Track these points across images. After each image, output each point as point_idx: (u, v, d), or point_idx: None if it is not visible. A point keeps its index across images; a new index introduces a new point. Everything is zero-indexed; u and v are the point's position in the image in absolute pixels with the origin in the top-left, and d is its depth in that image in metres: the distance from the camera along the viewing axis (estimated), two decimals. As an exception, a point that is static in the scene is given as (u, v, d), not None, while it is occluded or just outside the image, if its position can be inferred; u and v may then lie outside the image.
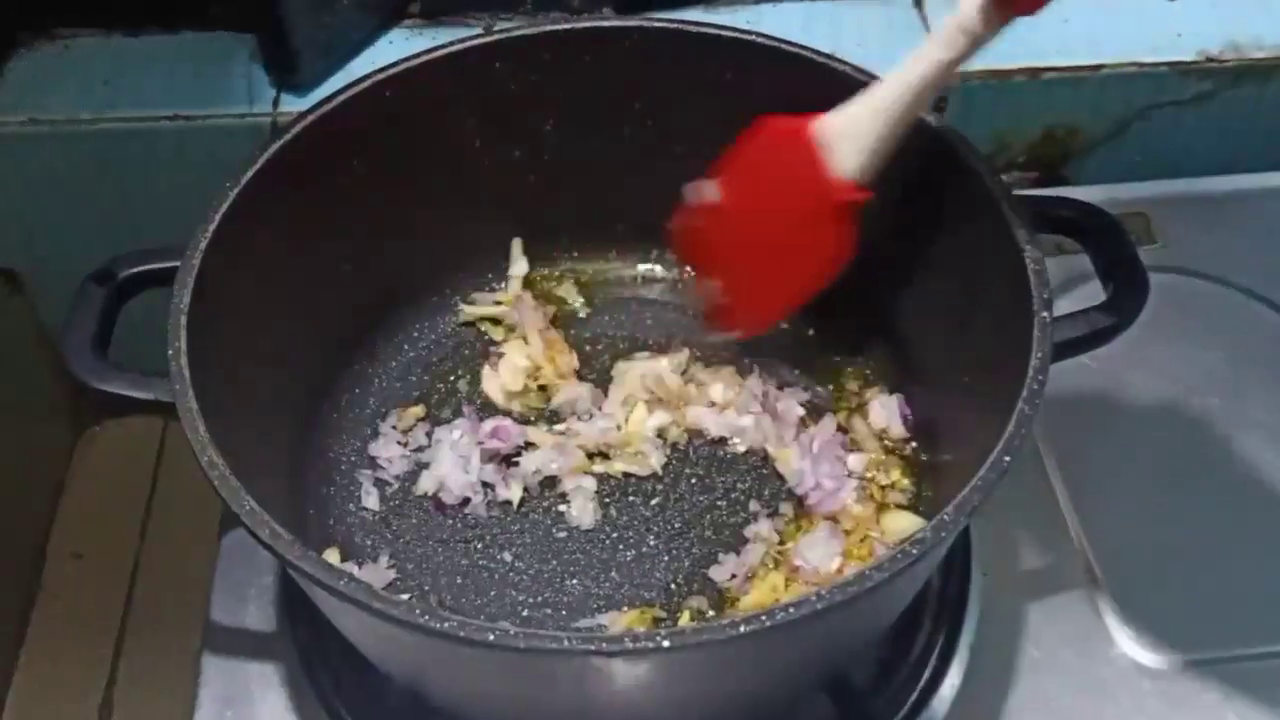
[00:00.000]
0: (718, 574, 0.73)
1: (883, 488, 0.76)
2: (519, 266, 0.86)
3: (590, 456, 0.78)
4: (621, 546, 0.74)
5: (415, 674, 0.66)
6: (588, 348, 0.84)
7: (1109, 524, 0.79)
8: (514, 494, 0.76)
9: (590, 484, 0.76)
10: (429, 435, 0.79)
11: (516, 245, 0.86)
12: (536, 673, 0.58)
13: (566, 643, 0.52)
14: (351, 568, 0.72)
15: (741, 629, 0.52)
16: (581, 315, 0.86)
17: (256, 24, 0.96)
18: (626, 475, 0.77)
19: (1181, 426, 0.84)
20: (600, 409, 0.80)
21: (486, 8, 1.00)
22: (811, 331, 0.84)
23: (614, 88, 0.79)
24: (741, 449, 0.79)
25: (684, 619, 0.71)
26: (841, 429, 0.79)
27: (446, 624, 0.52)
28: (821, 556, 0.72)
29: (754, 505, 0.76)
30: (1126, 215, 0.87)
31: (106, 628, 1.13)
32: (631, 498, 0.77)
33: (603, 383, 0.81)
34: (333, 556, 0.73)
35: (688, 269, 0.85)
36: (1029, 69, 0.99)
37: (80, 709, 1.08)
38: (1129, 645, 0.75)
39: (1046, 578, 0.78)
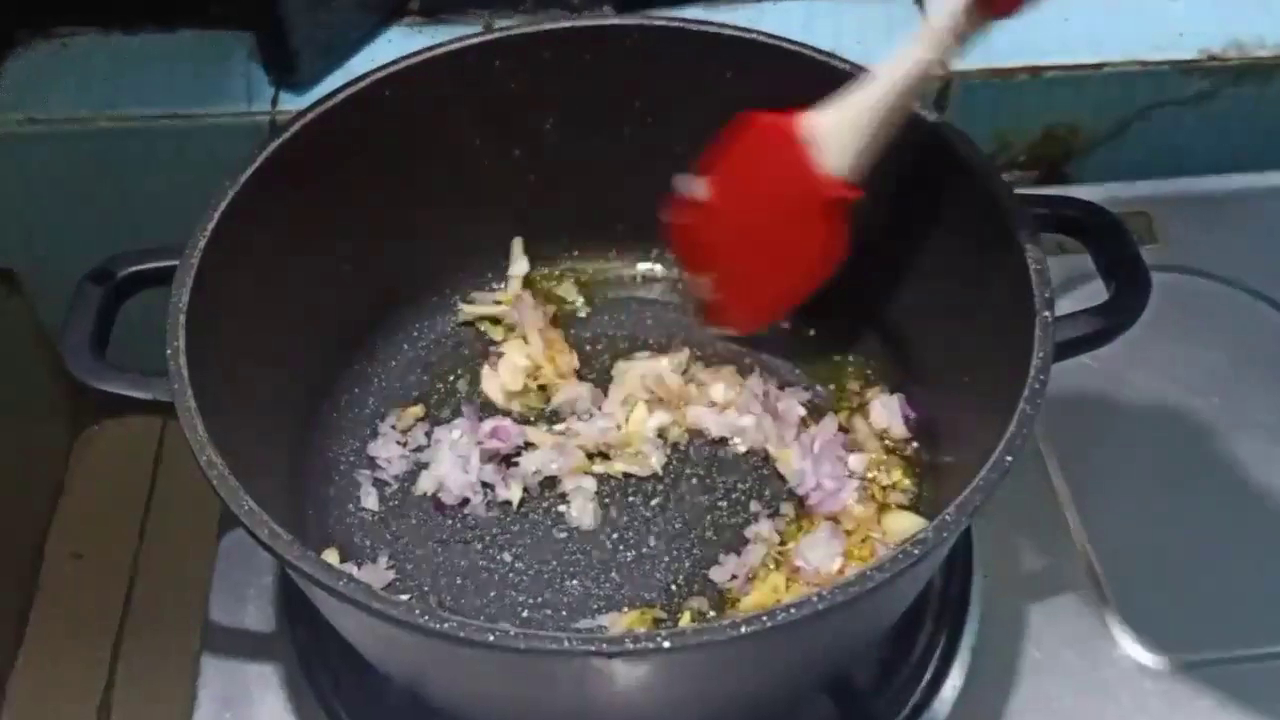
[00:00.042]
0: (718, 575, 0.73)
1: (884, 488, 0.76)
2: (519, 266, 0.86)
3: (590, 457, 0.78)
4: (622, 547, 0.74)
5: (415, 675, 0.65)
6: (588, 347, 0.84)
7: (1110, 524, 0.79)
8: (514, 494, 0.76)
9: (590, 484, 0.76)
10: (428, 435, 0.79)
11: (517, 245, 0.86)
12: (536, 673, 0.58)
13: (567, 643, 0.52)
14: (351, 568, 0.72)
15: (742, 630, 0.52)
16: (581, 315, 0.86)
17: (255, 22, 0.96)
18: (627, 475, 0.77)
19: (1183, 426, 0.84)
20: (600, 409, 0.80)
21: (486, 5, 1.00)
22: (812, 331, 0.84)
23: (614, 87, 0.78)
24: (742, 449, 0.79)
25: (684, 620, 0.71)
26: (842, 429, 0.78)
27: (446, 624, 0.52)
28: (822, 557, 0.72)
29: (755, 505, 0.76)
30: (1128, 214, 0.87)
31: (105, 628, 1.12)
32: (632, 498, 0.76)
33: (603, 382, 0.81)
34: (332, 557, 0.73)
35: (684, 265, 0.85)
36: (1030, 67, 0.99)
37: (79, 709, 1.08)
38: (1131, 646, 0.75)
39: (1048, 578, 0.77)
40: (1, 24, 0.99)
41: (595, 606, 0.72)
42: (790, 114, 0.70)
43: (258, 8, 0.92)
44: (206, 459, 0.58)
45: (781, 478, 0.77)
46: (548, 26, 0.78)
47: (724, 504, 0.76)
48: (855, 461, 0.77)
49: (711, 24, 0.77)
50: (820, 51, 0.74)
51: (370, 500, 0.76)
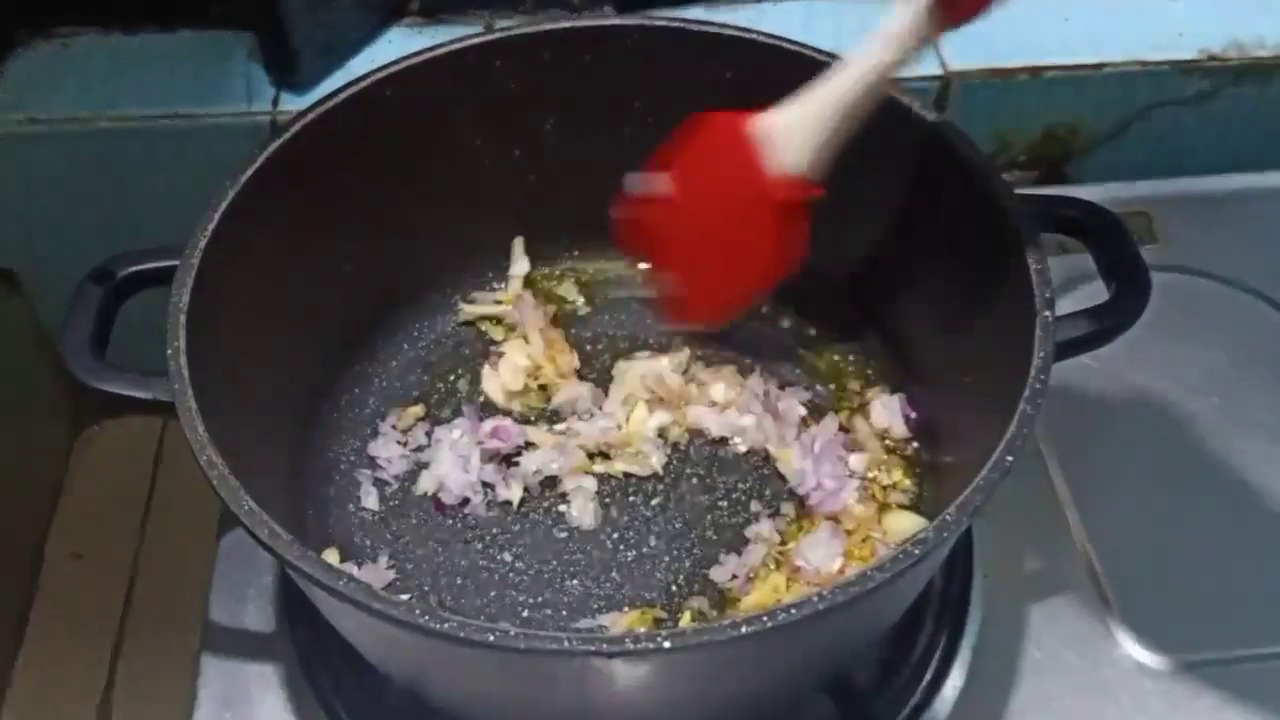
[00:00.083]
0: (719, 574, 0.73)
1: (884, 488, 0.76)
2: (520, 266, 0.86)
3: (591, 456, 0.78)
4: (622, 547, 0.74)
5: (415, 674, 0.65)
6: (588, 347, 0.84)
7: (1111, 524, 0.79)
8: (514, 494, 0.76)
9: (591, 484, 0.76)
10: (429, 435, 0.79)
11: (518, 244, 0.86)
12: (537, 673, 0.58)
13: (567, 643, 0.52)
14: (351, 568, 0.72)
15: (743, 630, 0.52)
16: (582, 314, 0.86)
17: (256, 23, 0.96)
18: (627, 475, 0.77)
19: (1183, 426, 0.84)
20: (601, 409, 0.80)
21: (487, 6, 1.00)
22: (813, 331, 0.84)
23: (614, 87, 0.78)
24: (743, 449, 0.79)
25: (685, 620, 0.71)
26: (843, 429, 0.78)
27: (446, 624, 0.52)
28: (823, 557, 0.72)
29: (755, 505, 0.76)
30: (1128, 214, 0.87)
31: (105, 628, 1.12)
32: (632, 498, 0.76)
33: (603, 382, 0.81)
34: (332, 557, 0.73)
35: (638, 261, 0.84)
36: (1030, 68, 0.99)
37: (79, 709, 1.08)
38: (1131, 646, 0.75)
39: (1048, 578, 0.77)
40: (2, 24, 0.99)
41: (595, 606, 0.72)
42: (742, 114, 0.69)
43: (258, 8, 0.92)
44: (207, 459, 0.58)
45: (782, 477, 0.77)
46: (548, 27, 0.78)
47: (724, 504, 0.76)
48: (856, 461, 0.77)
49: (712, 24, 0.77)
50: (820, 51, 0.74)
51: (370, 500, 0.76)
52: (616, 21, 0.78)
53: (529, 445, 0.78)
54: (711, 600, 0.72)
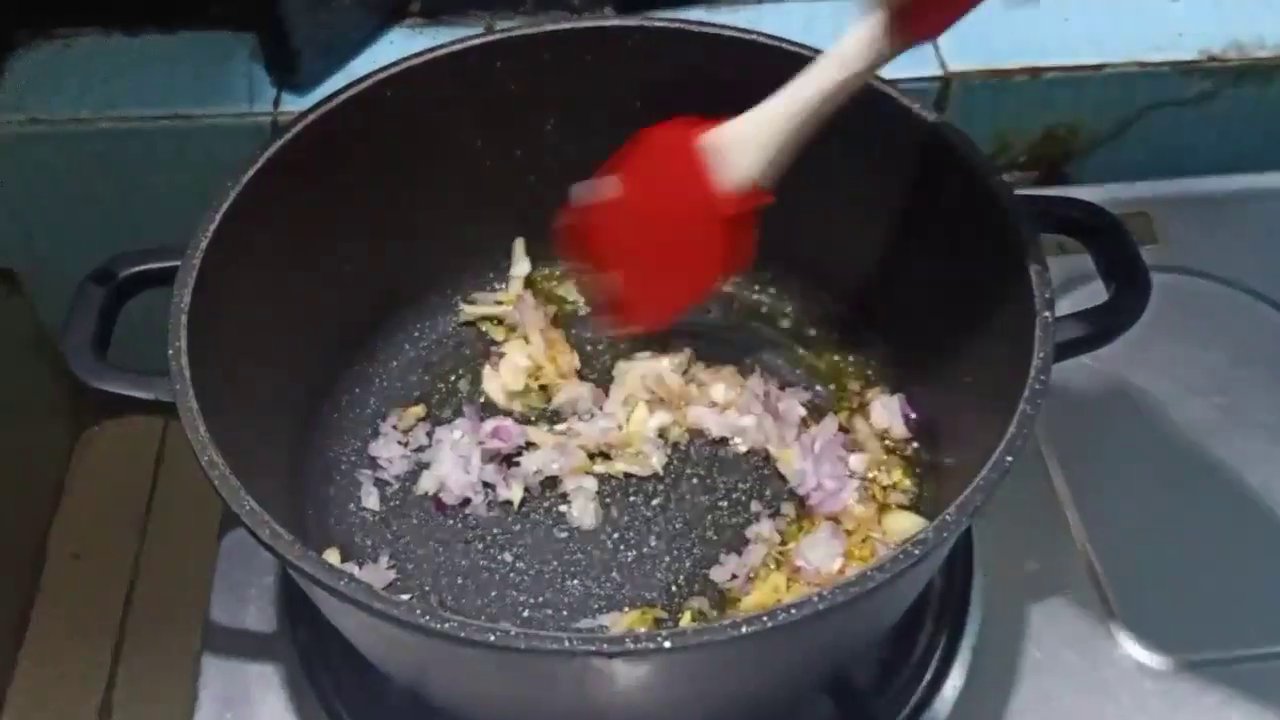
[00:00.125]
0: (719, 574, 0.73)
1: (884, 488, 0.76)
2: (521, 266, 0.86)
3: (591, 456, 0.78)
4: (623, 547, 0.74)
5: (416, 675, 0.65)
6: (589, 347, 0.84)
7: (1111, 524, 0.79)
8: (515, 494, 0.76)
9: (591, 484, 0.76)
10: (429, 435, 0.79)
11: (519, 245, 0.86)
12: (537, 673, 0.58)
13: (567, 643, 0.52)
14: (352, 568, 0.72)
15: (743, 630, 0.52)
16: (583, 315, 0.86)
17: (256, 23, 0.96)
18: (628, 475, 0.77)
19: (1183, 426, 0.84)
20: (601, 409, 0.80)
21: (487, 7, 1.00)
22: (813, 331, 0.84)
23: (614, 87, 0.78)
24: (743, 449, 0.79)
25: (685, 620, 0.71)
26: (843, 429, 0.79)
27: (447, 624, 0.52)
28: (823, 557, 0.72)
29: (755, 505, 0.76)
30: (1128, 215, 0.87)
31: (106, 628, 1.12)
32: (633, 498, 0.77)
33: (604, 382, 0.81)
34: (333, 557, 0.73)
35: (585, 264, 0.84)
36: (1030, 68, 0.99)
37: (79, 709, 1.08)
38: (1131, 646, 0.75)
39: (1048, 578, 0.77)
40: (3, 25, 1.00)
41: (596, 606, 0.72)
42: (691, 128, 0.70)
43: (258, 8, 0.92)
44: (208, 459, 0.58)
45: (782, 478, 0.77)
46: (549, 28, 0.78)
47: (725, 504, 0.76)
48: (856, 461, 0.77)
49: (712, 25, 0.77)
50: (820, 53, 0.74)
51: (371, 500, 0.76)
52: (617, 22, 0.78)
53: (530, 445, 0.78)
54: (712, 600, 0.72)
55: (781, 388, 0.81)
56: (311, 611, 0.67)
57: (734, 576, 0.72)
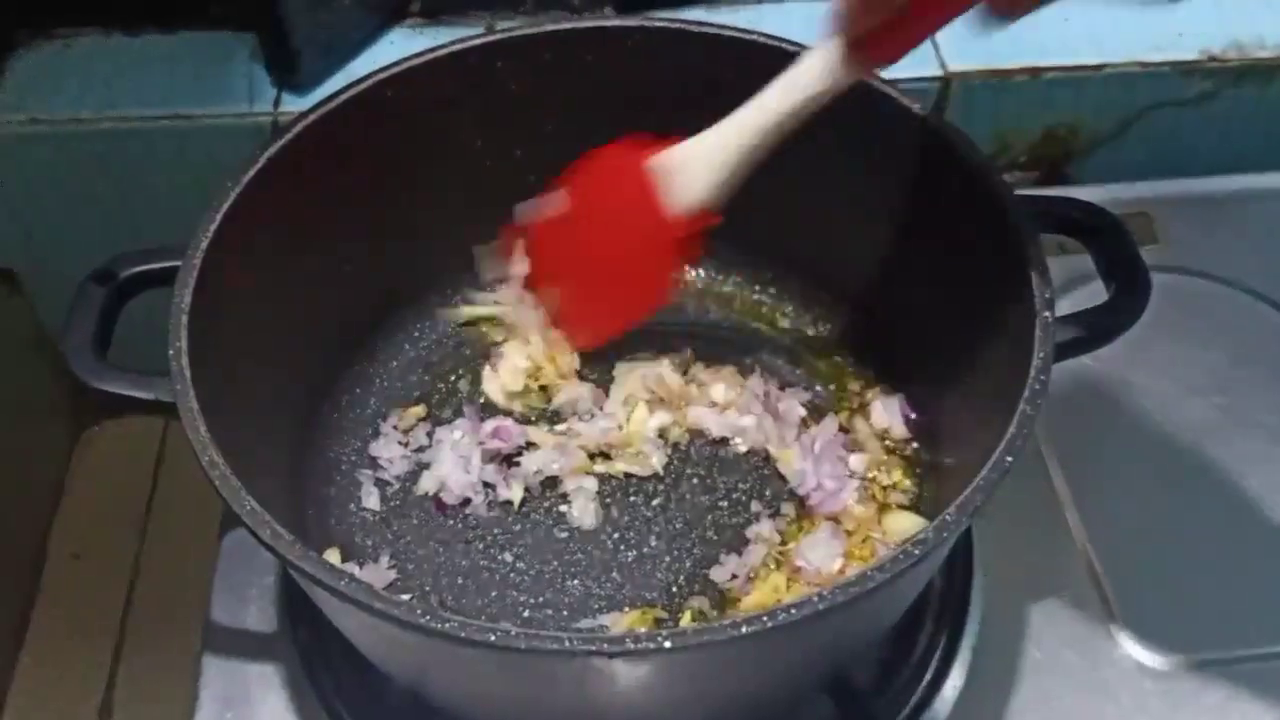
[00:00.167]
0: (719, 574, 0.73)
1: (884, 488, 0.76)
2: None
3: (591, 457, 0.78)
4: (623, 547, 0.74)
5: (416, 675, 0.65)
6: (589, 348, 0.84)
7: (1111, 524, 0.79)
8: (515, 494, 0.76)
9: (591, 484, 0.76)
10: (430, 435, 0.79)
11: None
12: (538, 673, 0.58)
13: (568, 643, 0.52)
14: (352, 568, 0.72)
15: (743, 630, 0.52)
16: (582, 315, 0.86)
17: (256, 23, 0.96)
18: (628, 475, 0.77)
19: (1183, 426, 0.84)
20: (601, 409, 0.80)
21: (488, 7, 1.00)
22: (813, 332, 0.84)
23: (615, 87, 0.78)
24: (743, 449, 0.79)
25: (685, 620, 0.71)
26: (843, 429, 0.79)
27: (447, 624, 0.52)
28: (823, 557, 0.72)
29: (755, 506, 0.76)
30: (1128, 215, 0.87)
31: (106, 628, 1.13)
32: (633, 498, 0.77)
33: (604, 383, 0.81)
34: (333, 557, 0.73)
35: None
36: (1030, 68, 0.99)
37: (80, 709, 1.08)
38: (1131, 646, 0.75)
39: (1048, 578, 0.77)
40: (3, 25, 1.00)
41: (596, 606, 0.72)
42: (641, 150, 0.70)
43: (258, 9, 0.92)
44: (209, 459, 0.58)
45: (782, 478, 0.77)
46: (549, 28, 0.78)
47: (725, 504, 0.76)
48: (856, 462, 0.77)
49: (712, 25, 0.77)
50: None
51: (372, 500, 0.76)
52: (617, 22, 0.78)
53: (530, 445, 0.78)
54: (712, 600, 0.72)
55: (781, 388, 0.81)
56: (312, 611, 0.67)
57: (734, 576, 0.72)
